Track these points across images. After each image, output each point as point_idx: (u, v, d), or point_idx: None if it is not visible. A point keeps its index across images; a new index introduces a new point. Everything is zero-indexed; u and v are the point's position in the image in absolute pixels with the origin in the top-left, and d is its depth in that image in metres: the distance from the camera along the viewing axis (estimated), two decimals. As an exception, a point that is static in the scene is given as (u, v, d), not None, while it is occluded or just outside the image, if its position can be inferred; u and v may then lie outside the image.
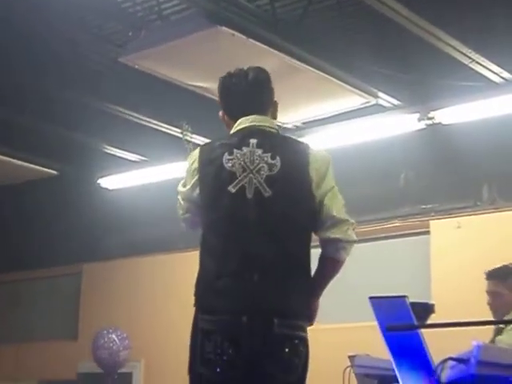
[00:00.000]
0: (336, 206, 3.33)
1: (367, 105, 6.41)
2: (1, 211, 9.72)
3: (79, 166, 8.51)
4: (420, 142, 6.80)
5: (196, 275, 3.36)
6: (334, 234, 3.31)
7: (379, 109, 6.58)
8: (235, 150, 3.35)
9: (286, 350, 3.25)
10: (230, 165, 3.32)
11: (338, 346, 6.33)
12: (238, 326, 3.19)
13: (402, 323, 4.01)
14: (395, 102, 6.50)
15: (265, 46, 5.32)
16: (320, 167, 3.35)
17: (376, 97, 6.31)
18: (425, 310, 4.27)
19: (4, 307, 10.08)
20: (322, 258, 3.38)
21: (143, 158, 8.04)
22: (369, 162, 7.07)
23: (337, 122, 6.77)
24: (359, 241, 3.41)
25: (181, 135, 6.39)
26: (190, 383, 3.35)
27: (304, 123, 6.96)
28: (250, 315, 3.19)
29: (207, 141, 3.76)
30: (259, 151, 3.35)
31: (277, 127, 3.50)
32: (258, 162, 3.33)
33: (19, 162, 8.50)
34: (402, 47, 5.94)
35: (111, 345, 7.88)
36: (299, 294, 3.32)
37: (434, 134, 6.65)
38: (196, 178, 3.39)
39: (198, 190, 3.38)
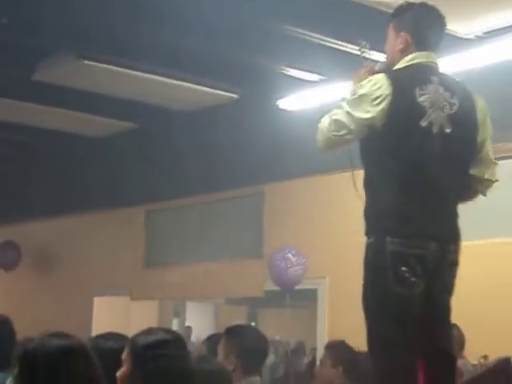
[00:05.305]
0: (491, 150, 3.69)
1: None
2: (182, 137, 10.01)
3: (258, 89, 8.60)
4: None
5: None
6: (488, 175, 3.68)
7: None
8: (424, 86, 3.54)
9: (453, 275, 3.60)
10: (421, 99, 3.51)
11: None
12: (426, 249, 3.48)
13: None
14: None
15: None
16: (484, 113, 3.68)
17: None
18: None
19: (191, 228, 10.44)
20: (470, 189, 3.72)
21: (321, 77, 8.02)
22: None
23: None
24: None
25: (359, 53, 6.32)
26: (381, 303, 3.55)
27: (485, 33, 6.73)
28: (436, 241, 3.49)
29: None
30: (441, 89, 3.57)
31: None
32: (441, 99, 3.55)
33: (200, 87, 8.68)
34: None
35: (284, 262, 8.02)
36: (458, 221, 3.65)
37: None
38: (383, 106, 3.50)
39: (384, 120, 3.50)
